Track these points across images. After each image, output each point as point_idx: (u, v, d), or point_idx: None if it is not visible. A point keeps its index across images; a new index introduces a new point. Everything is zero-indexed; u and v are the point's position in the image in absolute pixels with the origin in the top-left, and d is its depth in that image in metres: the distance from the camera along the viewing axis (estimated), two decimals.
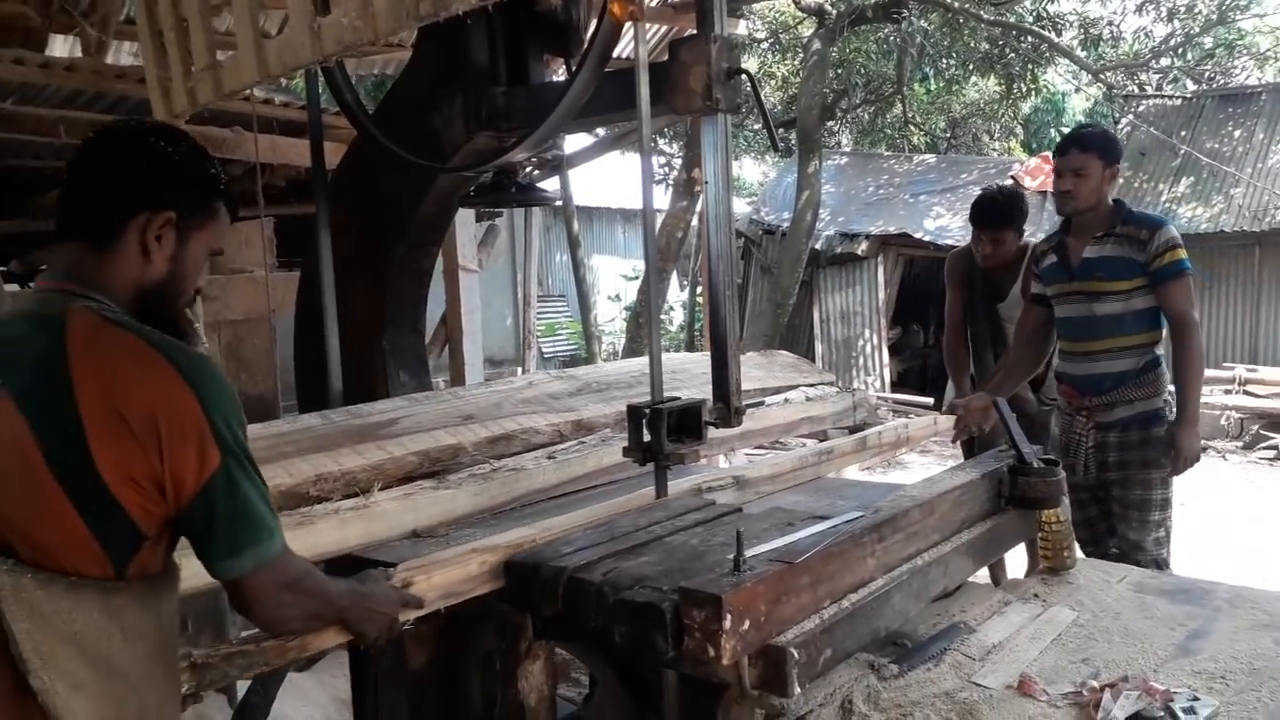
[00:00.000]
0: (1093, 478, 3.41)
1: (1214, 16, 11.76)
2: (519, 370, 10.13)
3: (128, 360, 1.32)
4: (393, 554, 2.28)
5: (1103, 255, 3.32)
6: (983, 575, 2.45)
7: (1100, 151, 3.29)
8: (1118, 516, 3.39)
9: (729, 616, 1.52)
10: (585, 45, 2.41)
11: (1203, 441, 3.53)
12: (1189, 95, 12.30)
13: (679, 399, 2.44)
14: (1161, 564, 3.30)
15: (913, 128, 15.73)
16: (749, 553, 1.70)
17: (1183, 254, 3.24)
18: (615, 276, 16.73)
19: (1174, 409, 3.33)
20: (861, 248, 12.14)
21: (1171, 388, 3.36)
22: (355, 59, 5.79)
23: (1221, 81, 12.76)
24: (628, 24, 2.28)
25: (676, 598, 1.60)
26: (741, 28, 7.44)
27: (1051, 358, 3.78)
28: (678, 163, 13.58)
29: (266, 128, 4.98)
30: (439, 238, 3.42)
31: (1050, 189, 11.73)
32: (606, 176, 12.75)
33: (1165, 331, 3.36)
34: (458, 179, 3.08)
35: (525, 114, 2.64)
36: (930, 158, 14.58)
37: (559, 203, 9.58)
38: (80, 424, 1.27)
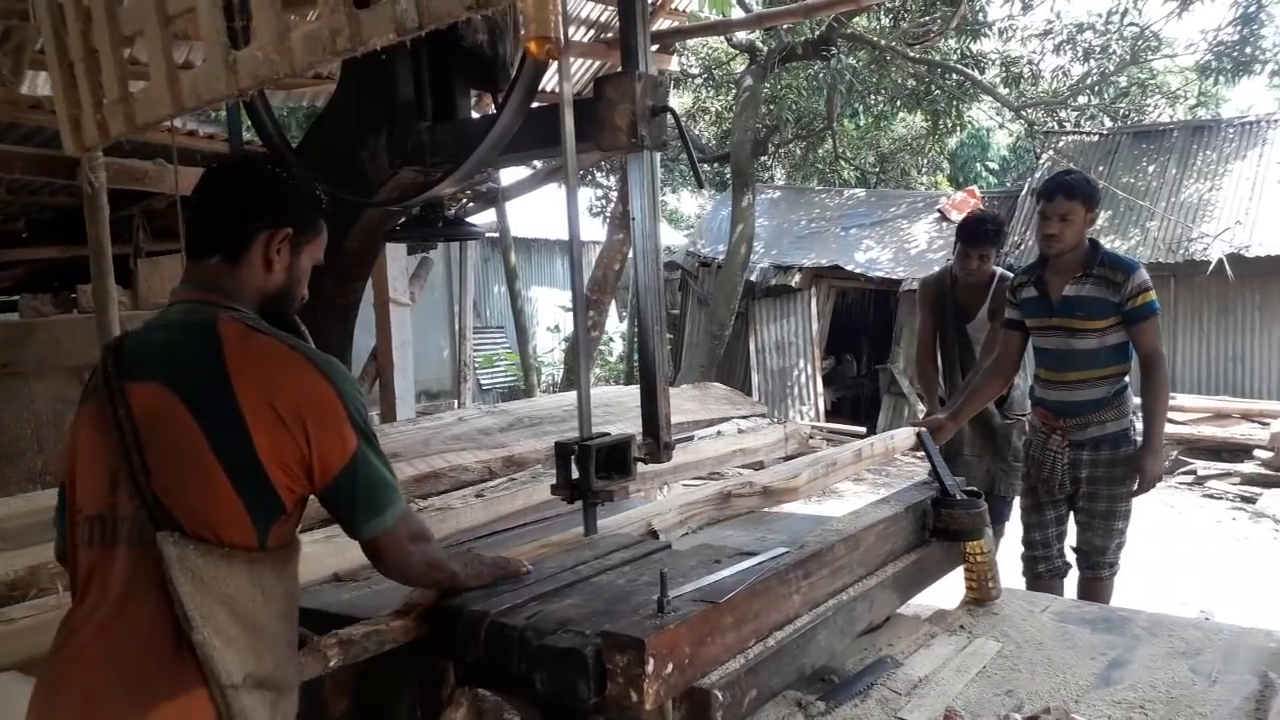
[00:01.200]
0: (1066, 489, 3.72)
1: (1127, 57, 12.23)
2: (455, 403, 10.02)
3: (276, 361, 1.55)
4: (314, 599, 2.22)
5: (1081, 295, 3.58)
6: (909, 607, 2.46)
7: (1084, 198, 3.58)
8: (1083, 524, 3.70)
9: (652, 660, 1.50)
10: (511, 81, 2.41)
11: None
12: (1105, 132, 12.75)
13: (608, 435, 2.42)
14: (1115, 566, 3.68)
15: (843, 162, 16.04)
16: (674, 593, 1.68)
17: (1153, 296, 3.55)
18: (554, 308, 16.69)
19: (1138, 431, 3.63)
20: (795, 280, 12.30)
21: (1138, 411, 3.68)
22: (284, 90, 5.71)
23: (1136, 119, 13.26)
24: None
25: (599, 642, 1.57)
26: (674, 64, 7.53)
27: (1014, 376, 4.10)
28: (615, 195, 13.66)
29: (190, 160, 4.88)
30: (365, 272, 3.36)
31: None
32: (545, 208, 12.75)
33: (1133, 362, 3.65)
34: (384, 213, 3.04)
35: (451, 149, 2.62)
36: (860, 192, 14.86)
37: (492, 235, 9.53)
38: (241, 416, 1.48)
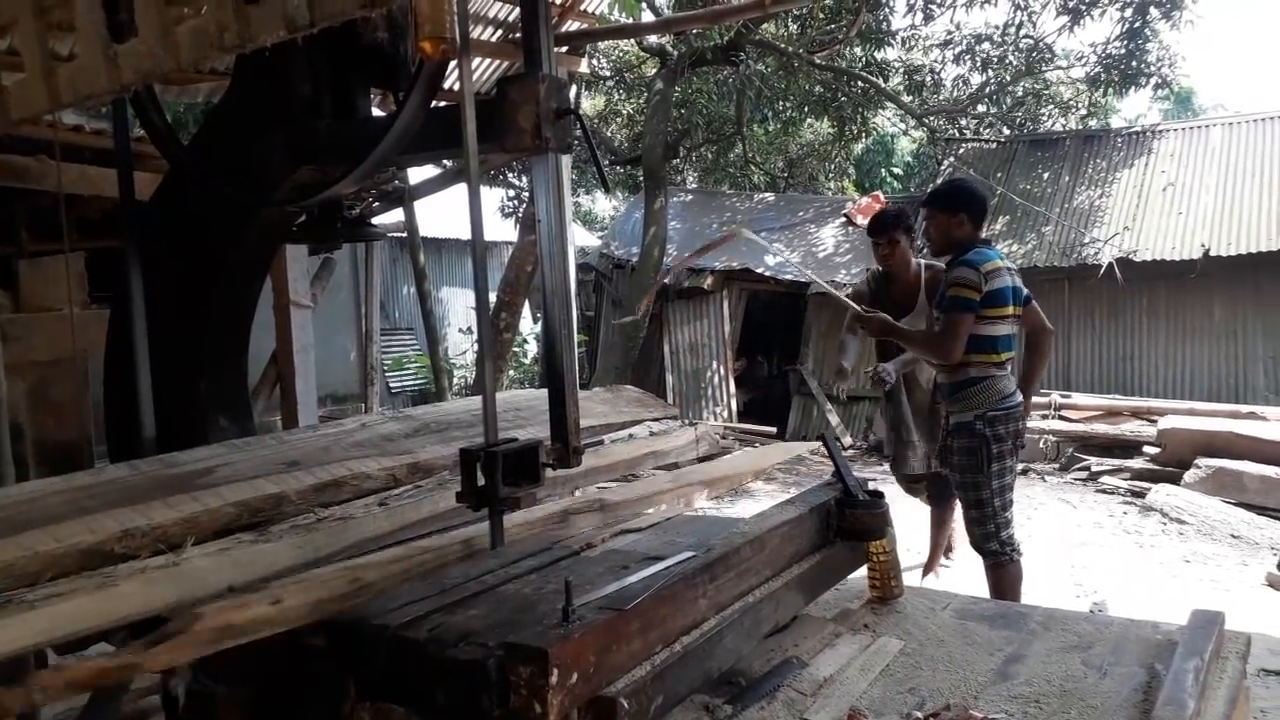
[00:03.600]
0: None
1: (1023, 68, 12.69)
2: (363, 407, 9.80)
3: None
4: None
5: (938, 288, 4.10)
6: (814, 607, 2.49)
7: (935, 204, 4.07)
8: None
9: (556, 670, 1.48)
10: (410, 79, 2.35)
11: (1021, 464, 3.96)
12: (1003, 140, 13.19)
13: (515, 440, 2.39)
14: (989, 555, 3.88)
15: (753, 167, 16.24)
16: (579, 601, 1.66)
17: (961, 291, 3.78)
18: (466, 309, 16.45)
19: (990, 425, 3.84)
20: (707, 282, 12.39)
21: (1006, 402, 3.90)
22: (177, 86, 5.49)
23: (1031, 127, 13.77)
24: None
25: (502, 654, 1.54)
26: (584, 66, 7.51)
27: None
28: (526, 195, 13.56)
29: (76, 156, 4.65)
30: (261, 274, 3.26)
31: None
32: (456, 208, 12.56)
33: (1006, 357, 3.95)
34: (281, 213, 2.94)
35: (350, 148, 2.55)
36: (770, 195, 15.06)
37: (399, 235, 9.36)
38: None
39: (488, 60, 6.14)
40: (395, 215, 9.36)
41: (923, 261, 4.85)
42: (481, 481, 2.25)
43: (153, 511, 2.38)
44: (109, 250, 4.90)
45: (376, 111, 3.35)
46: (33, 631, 1.88)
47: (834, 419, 11.52)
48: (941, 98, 13.59)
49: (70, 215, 3.84)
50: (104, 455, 3.83)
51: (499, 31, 6.01)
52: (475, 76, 5.88)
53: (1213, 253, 9.91)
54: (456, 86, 4.47)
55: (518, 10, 5.75)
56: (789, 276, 11.78)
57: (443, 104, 2.54)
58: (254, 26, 1.70)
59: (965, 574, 4.24)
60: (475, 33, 5.62)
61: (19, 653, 1.99)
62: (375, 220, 3.98)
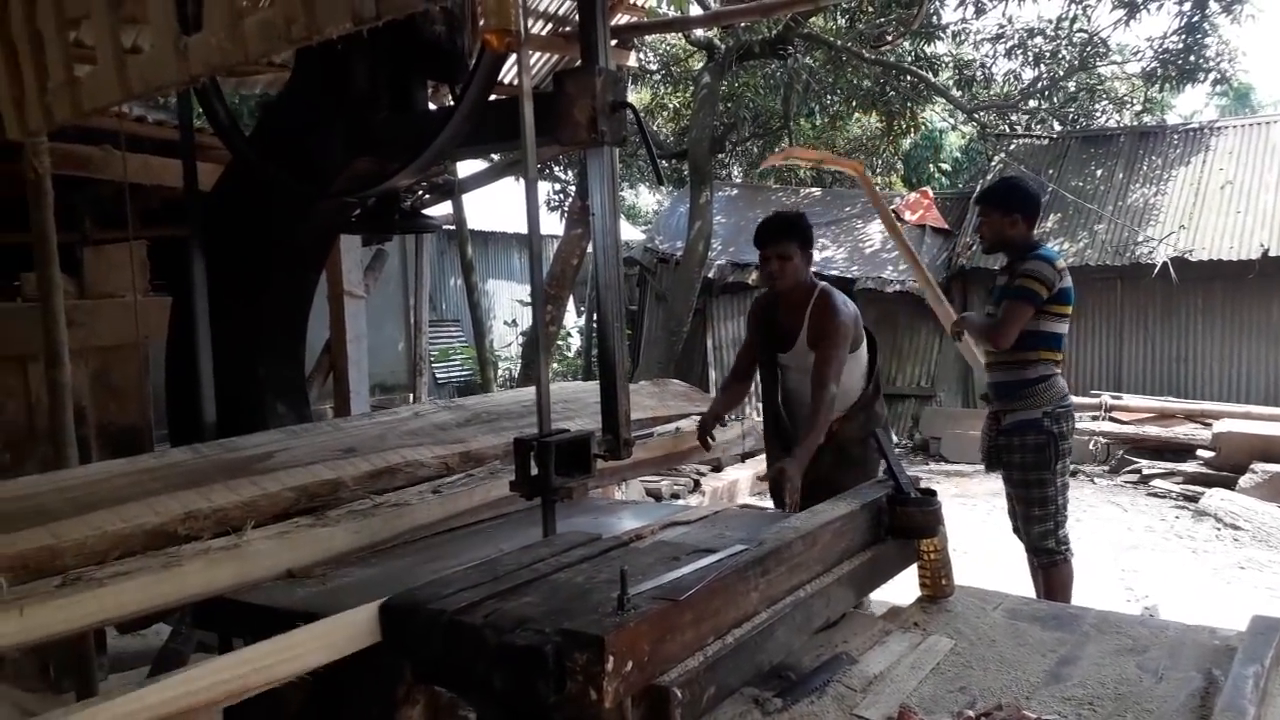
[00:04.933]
0: (998, 473, 4.04)
1: (1076, 63, 12.46)
2: (410, 397, 9.91)
3: None
4: (264, 596, 2.18)
5: (1001, 284, 4.01)
6: (865, 604, 2.48)
7: (996, 204, 3.98)
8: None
9: (612, 658, 1.49)
10: (469, 73, 2.38)
11: (1072, 465, 4.10)
12: (1055, 136, 12.97)
13: (567, 431, 2.41)
14: (1044, 554, 3.84)
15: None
16: (633, 590, 1.67)
17: (1029, 284, 3.76)
18: (511, 301, 16.58)
19: (1057, 421, 3.80)
20: (752, 277, 12.34)
21: (1062, 402, 3.85)
22: (236, 78, 5.60)
23: (1084, 123, 13.52)
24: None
25: (559, 640, 1.56)
26: (632, 59, 7.52)
27: (857, 409, 3.58)
28: (573, 189, 13.60)
29: (139, 146, 4.76)
30: (319, 264, 3.32)
31: (930, 223, 12.11)
32: (503, 201, 12.65)
33: (1061, 355, 3.93)
34: (338, 204, 2.99)
35: (407, 140, 2.59)
36: (816, 191, 14.96)
37: (448, 227, 9.44)
38: None
39: (540, 54, 6.18)
40: (443, 208, 9.44)
41: (821, 285, 3.60)
42: (535, 471, 2.28)
43: (214, 494, 2.44)
44: (171, 239, 5.02)
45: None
46: (102, 608, 1.94)
47: None
48: (992, 93, 13.39)
49: (134, 204, 3.92)
50: (164, 439, 3.93)
51: (550, 25, 6.04)
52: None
53: (1272, 253, 9.67)
54: (509, 80, 4.51)
55: (569, 4, 5.78)
56: (834, 272, 11.70)
57: (497, 98, 2.56)
58: (320, 19, 1.73)
59: (1004, 575, 4.17)
60: (529, 26, 5.65)
61: (87, 628, 2.06)
62: (425, 212, 4.03)
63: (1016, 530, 4.04)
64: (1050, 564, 3.82)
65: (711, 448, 3.79)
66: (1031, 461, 3.80)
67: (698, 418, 4.54)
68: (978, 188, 12.37)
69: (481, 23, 2.55)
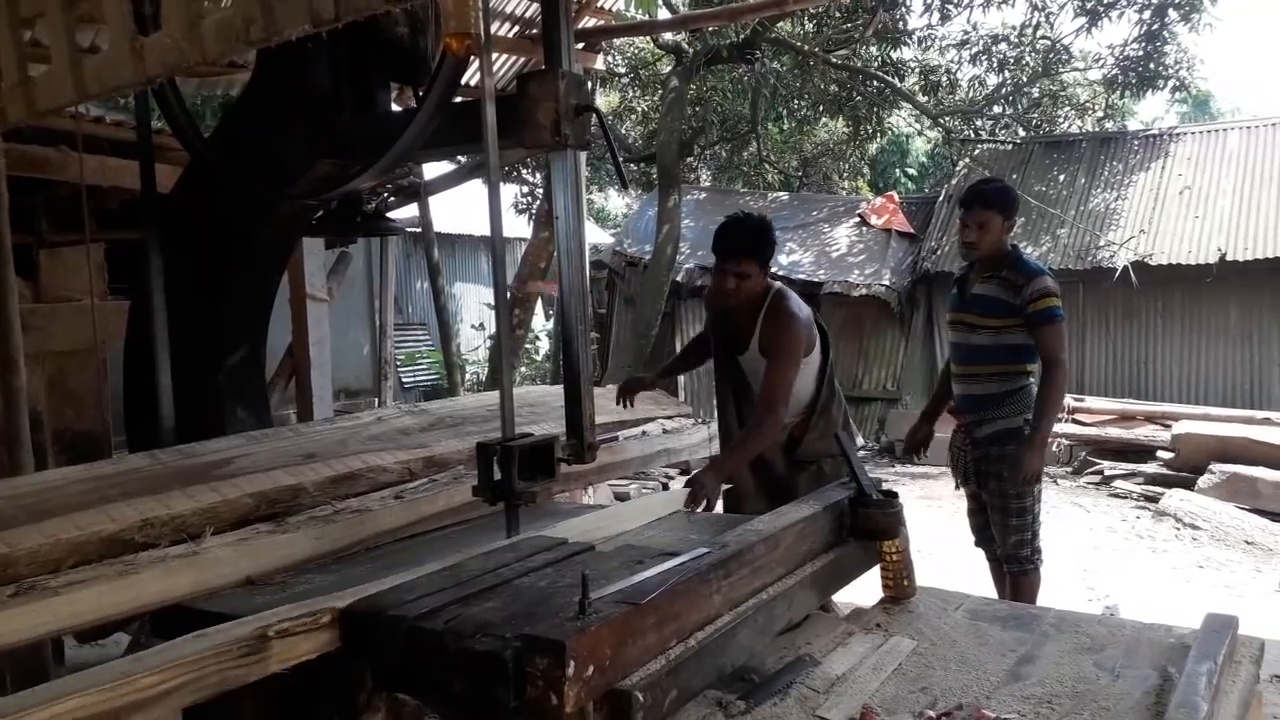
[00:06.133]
0: (972, 483, 3.92)
1: (1039, 69, 12.63)
2: (376, 401, 9.84)
3: None
4: (223, 604, 2.15)
5: (984, 294, 3.77)
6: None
7: (1001, 207, 3.76)
8: (990, 519, 3.87)
9: (572, 663, 1.49)
10: (431, 75, 2.37)
11: None
12: (1019, 141, 13.13)
13: (531, 435, 2.40)
14: (1021, 562, 3.76)
15: (767, 165, 16.21)
16: (595, 594, 1.67)
17: (1053, 302, 3.65)
18: (479, 305, 16.51)
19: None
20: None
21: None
22: (197, 79, 5.53)
23: (1047, 129, 13.70)
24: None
25: (519, 645, 1.56)
26: (600, 63, 7.52)
27: (815, 416, 3.48)
28: (540, 192, 13.57)
29: (97, 147, 4.69)
30: (280, 266, 3.28)
31: (896, 227, 12.21)
32: (470, 203, 12.58)
33: (1036, 365, 3.79)
34: (300, 207, 2.97)
35: (369, 142, 2.57)
36: (784, 195, 15.04)
37: (414, 230, 9.40)
38: None
39: (504, 56, 6.16)
40: (410, 210, 9.39)
41: (775, 287, 3.43)
42: (498, 475, 2.27)
43: (172, 501, 2.41)
44: (129, 241, 4.94)
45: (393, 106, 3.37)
46: (56, 617, 1.91)
47: None
48: (957, 98, 13.53)
49: (91, 206, 3.86)
50: (122, 445, 3.87)
51: (515, 27, 6.02)
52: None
53: (1229, 257, 9.86)
54: (474, 82, 4.49)
55: (534, 7, 5.77)
56: (801, 276, 11.76)
57: (462, 100, 2.55)
58: (279, 20, 1.71)
59: (966, 576, 4.21)
60: (492, 29, 5.64)
61: (42, 637, 2.02)
62: (390, 215, 4.00)
63: (980, 542, 4.02)
64: (1021, 573, 3.78)
65: (627, 409, 3.85)
66: (1011, 472, 3.70)
67: (664, 421, 4.55)
68: (943, 191, 12.53)
69: (442, 25, 2.54)
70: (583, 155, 2.41)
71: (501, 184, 2.39)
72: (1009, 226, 3.79)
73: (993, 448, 3.78)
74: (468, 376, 14.06)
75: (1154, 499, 7.84)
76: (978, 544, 4.05)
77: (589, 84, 2.37)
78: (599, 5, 6.21)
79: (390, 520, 2.61)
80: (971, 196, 3.82)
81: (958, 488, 4.08)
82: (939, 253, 11.24)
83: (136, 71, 1.90)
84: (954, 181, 12.51)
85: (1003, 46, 12.47)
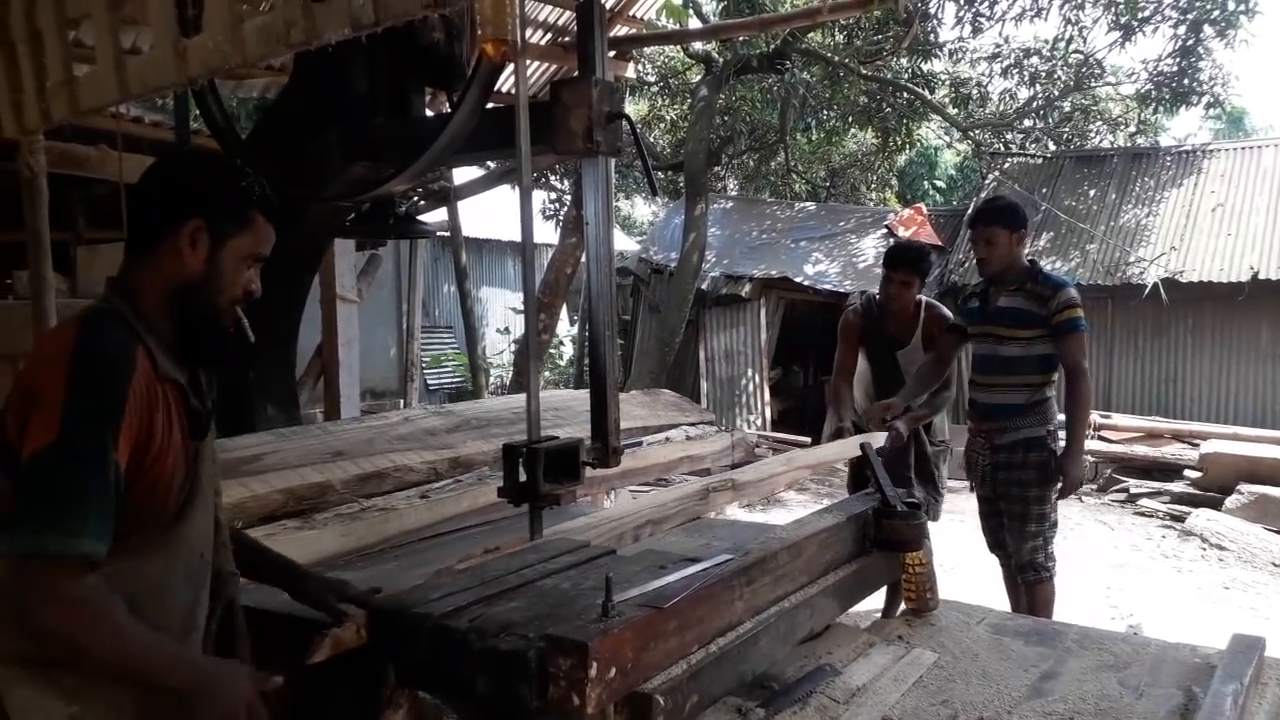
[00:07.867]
0: (988, 490, 3.97)
1: (1071, 83, 12.55)
2: (401, 402, 9.90)
3: (43, 339, 1.57)
4: (250, 598, 2.17)
5: (1012, 306, 3.85)
6: (848, 616, 2.49)
7: (1004, 222, 3.84)
8: (1005, 525, 3.93)
9: (595, 664, 1.50)
10: (466, 80, 2.40)
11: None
12: (1049, 155, 13.04)
13: (556, 438, 2.42)
14: (1037, 570, 3.83)
15: (795, 175, 16.20)
16: (618, 597, 1.68)
17: (1077, 313, 3.75)
18: (504, 309, 16.58)
19: (1055, 439, 3.83)
20: (745, 290, 12.38)
21: (1060, 420, 3.86)
22: (234, 81, 5.61)
23: (1078, 143, 13.60)
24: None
25: (542, 645, 1.57)
26: (631, 71, 7.56)
27: (941, 398, 4.30)
28: (568, 198, 13.63)
29: (135, 147, 4.77)
30: (313, 267, 3.33)
31: (924, 240, 12.23)
32: (497, 208, 12.68)
33: (1057, 374, 3.87)
34: (333, 208, 3.00)
35: (403, 146, 2.60)
36: (811, 205, 15.00)
37: (442, 234, 9.46)
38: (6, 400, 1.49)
39: (537, 64, 6.20)
40: (439, 214, 9.47)
41: (924, 299, 4.42)
42: (523, 477, 2.28)
43: None
44: None
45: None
46: None
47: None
48: (987, 111, 13.48)
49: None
50: None
51: (548, 35, 6.07)
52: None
53: (1262, 275, 9.74)
54: (507, 88, 4.53)
55: (567, 15, 5.81)
56: (828, 286, 11.74)
57: (495, 105, 2.58)
58: (320, 24, 1.74)
59: (989, 591, 4.18)
60: (527, 36, 5.68)
61: None
62: (420, 218, 4.04)
63: (993, 546, 4.04)
64: (1037, 580, 3.83)
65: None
66: (1035, 479, 3.80)
67: (688, 428, 4.56)
68: (971, 207, 12.46)
69: (479, 32, 2.57)
70: (613, 162, 2.42)
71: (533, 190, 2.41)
72: (1018, 239, 3.86)
73: (1015, 454, 3.84)
74: (492, 380, 14.12)
75: (1180, 518, 7.75)
76: (991, 549, 4.08)
77: (621, 92, 2.39)
78: (630, 14, 6.25)
79: (415, 519, 2.63)
80: (975, 215, 4.04)
81: (972, 489, 4.16)
82: (966, 265, 11.17)
83: (179, 72, 1.93)
84: (982, 194, 12.43)
85: (1034, 60, 12.40)
